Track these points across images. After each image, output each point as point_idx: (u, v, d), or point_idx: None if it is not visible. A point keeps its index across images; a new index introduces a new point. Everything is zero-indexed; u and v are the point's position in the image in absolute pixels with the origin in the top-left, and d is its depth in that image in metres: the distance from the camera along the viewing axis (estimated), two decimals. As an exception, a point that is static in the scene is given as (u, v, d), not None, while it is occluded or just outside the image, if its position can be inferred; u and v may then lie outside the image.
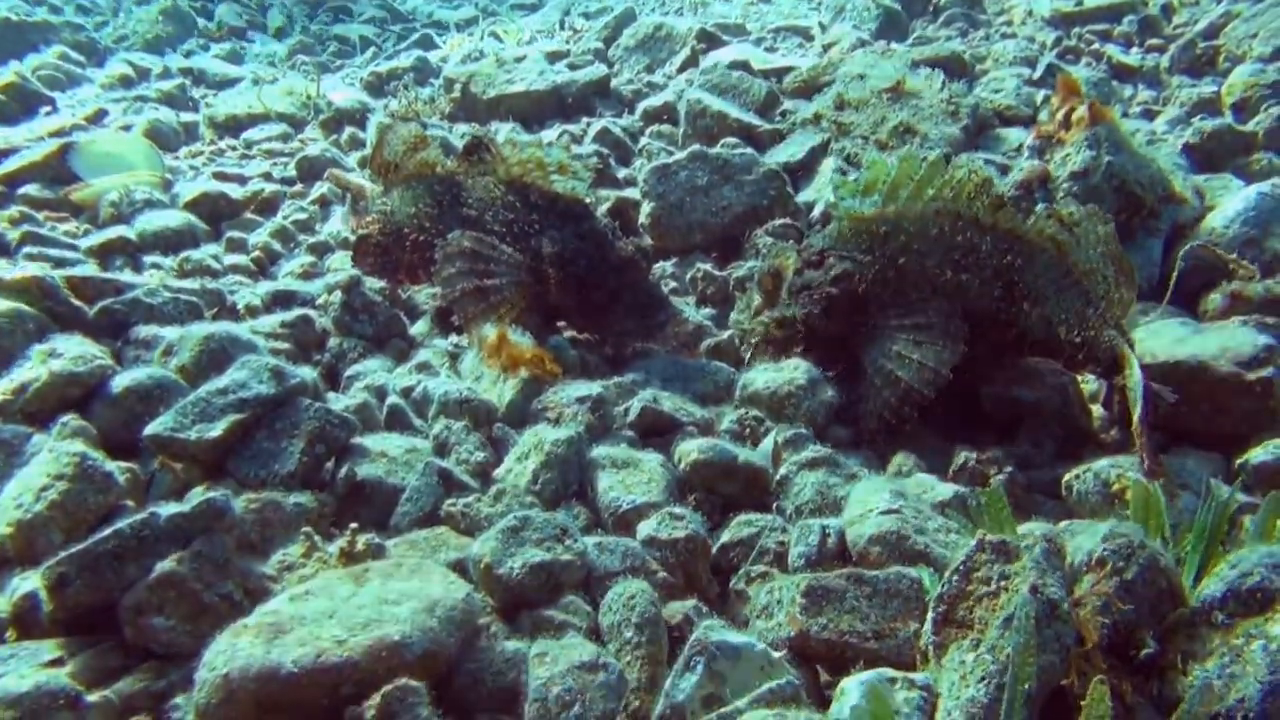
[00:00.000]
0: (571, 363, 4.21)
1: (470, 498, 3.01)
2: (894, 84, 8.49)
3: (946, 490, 3.06)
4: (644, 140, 7.91)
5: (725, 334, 4.68)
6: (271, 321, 4.29)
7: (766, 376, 3.81)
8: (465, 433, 3.39)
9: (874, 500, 2.78)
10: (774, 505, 3.11)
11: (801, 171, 6.80)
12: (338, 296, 4.46)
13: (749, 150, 6.28)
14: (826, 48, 10.41)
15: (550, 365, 3.89)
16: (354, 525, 2.72)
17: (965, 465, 3.40)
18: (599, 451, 3.21)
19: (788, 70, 9.18)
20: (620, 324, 4.37)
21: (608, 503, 3.00)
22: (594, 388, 3.61)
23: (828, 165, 7.25)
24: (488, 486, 3.11)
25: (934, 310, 3.85)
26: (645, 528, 2.82)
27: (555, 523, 2.68)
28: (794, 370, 3.87)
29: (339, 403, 3.49)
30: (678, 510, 2.89)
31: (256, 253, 5.50)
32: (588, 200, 4.50)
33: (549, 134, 6.81)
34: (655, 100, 8.83)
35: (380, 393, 3.74)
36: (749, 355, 4.40)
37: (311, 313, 4.41)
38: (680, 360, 4.40)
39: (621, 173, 7.33)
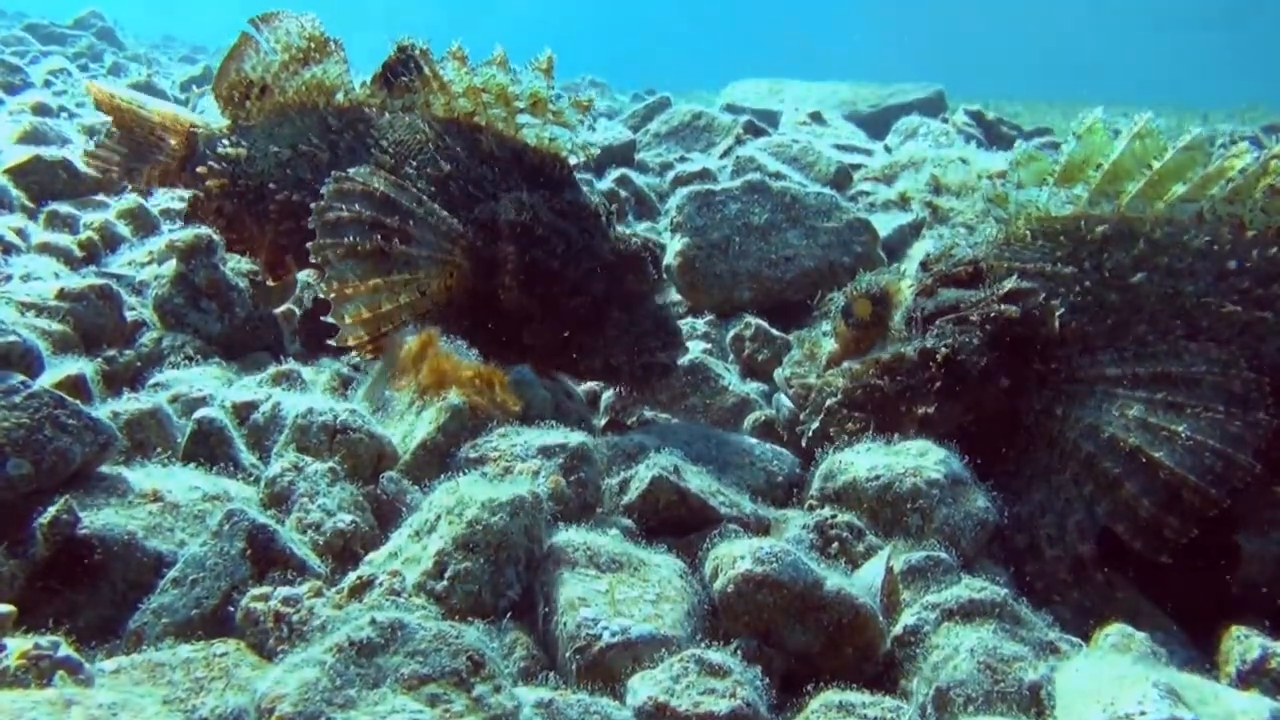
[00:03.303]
0: (541, 406, 3.17)
1: (302, 588, 2.15)
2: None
3: (1245, 705, 2.26)
4: (674, 199, 7.23)
5: (784, 407, 3.67)
6: (42, 290, 3.11)
7: (873, 461, 2.98)
8: (327, 480, 2.56)
9: (1126, 699, 2.05)
10: (891, 677, 2.46)
11: (888, 254, 6.07)
12: (170, 266, 3.27)
13: (828, 190, 5.40)
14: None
15: (502, 394, 2.74)
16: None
17: (1264, 663, 2.57)
18: (569, 538, 2.46)
19: (857, 167, 8.88)
20: (602, 353, 3.34)
21: (574, 628, 2.19)
22: (573, 436, 2.80)
23: (921, 249, 6.64)
24: (345, 574, 2.29)
25: (1199, 356, 2.84)
26: (646, 684, 2.04)
27: (458, 644, 1.79)
28: (920, 455, 2.96)
29: (104, 406, 2.68)
30: (713, 656, 2.08)
31: (89, 234, 4.37)
32: (573, 160, 3.51)
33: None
34: (691, 167, 8.33)
35: (192, 406, 2.90)
36: (812, 428, 3.34)
37: (116, 286, 3.26)
38: (712, 433, 3.38)
39: (641, 226, 6.55)
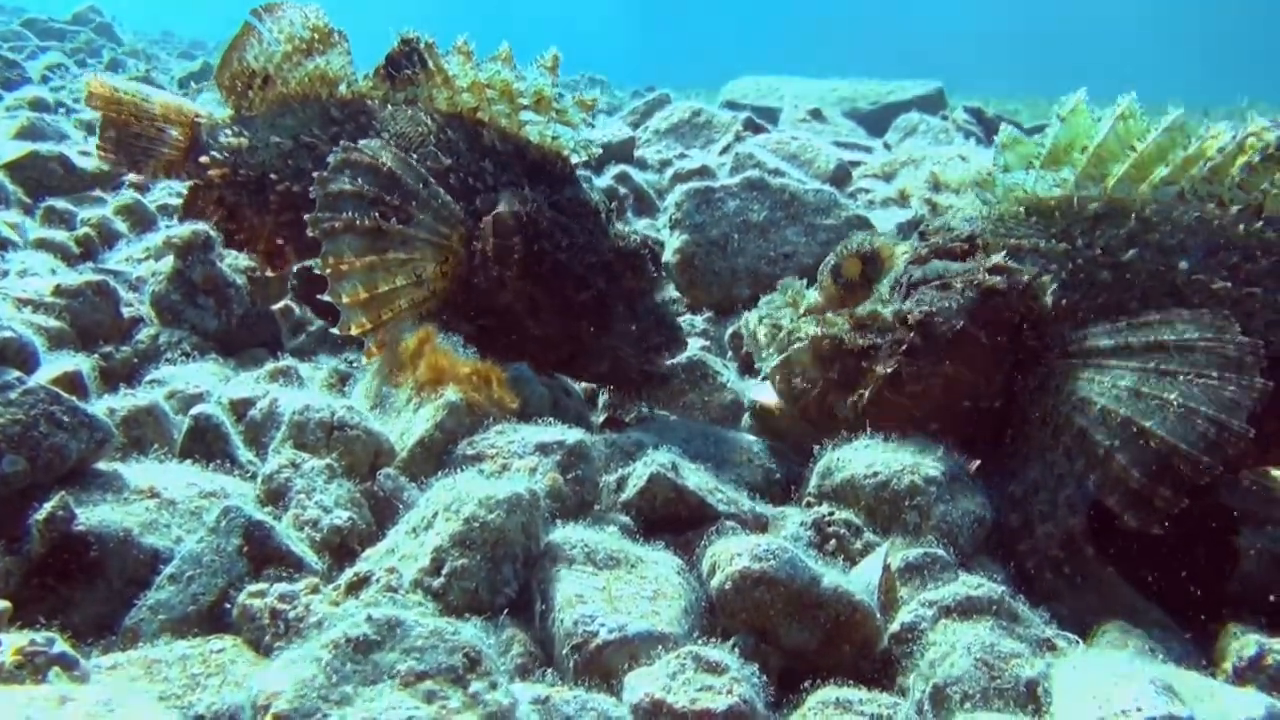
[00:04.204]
0: (539, 404, 3.14)
1: (299, 585, 2.14)
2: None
3: (1241, 701, 2.23)
4: (673, 196, 7.22)
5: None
6: (39, 286, 3.10)
7: (871, 458, 2.96)
8: (324, 477, 2.53)
9: (1123, 696, 2.03)
10: (889, 674, 2.42)
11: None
12: (168, 263, 3.26)
13: (827, 188, 5.39)
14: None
15: (499, 390, 2.72)
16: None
17: (1260, 659, 2.53)
18: (566, 535, 2.45)
19: (856, 164, 8.91)
20: (610, 351, 3.32)
21: (571, 625, 2.16)
22: (571, 433, 2.79)
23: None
24: (341, 571, 2.29)
25: (1191, 322, 2.81)
26: (643, 681, 2.01)
27: (455, 641, 1.75)
28: (918, 452, 2.95)
29: (100, 402, 2.68)
30: (710, 653, 2.06)
31: (86, 230, 4.37)
32: (575, 159, 3.49)
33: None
34: (690, 164, 8.31)
35: (189, 402, 2.89)
36: (770, 365, 3.33)
37: (113, 283, 3.25)
38: (710, 430, 3.37)
39: (640, 223, 6.53)
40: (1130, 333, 2.87)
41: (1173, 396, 2.71)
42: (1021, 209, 3.17)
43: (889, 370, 3.02)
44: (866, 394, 3.06)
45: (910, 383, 3.02)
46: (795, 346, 3.24)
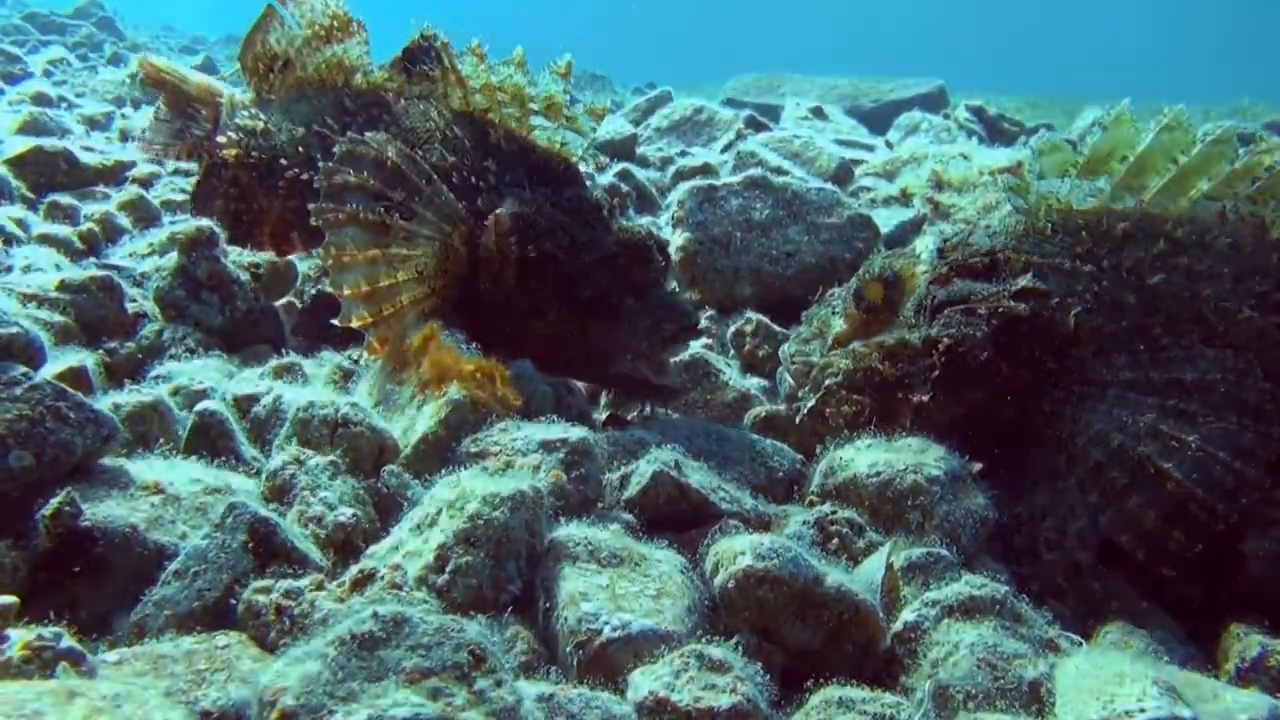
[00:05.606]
0: (542, 401, 3.11)
1: (304, 581, 2.14)
2: (1015, 164, 8.12)
3: (1245, 702, 2.23)
4: (675, 194, 7.24)
5: (786, 382, 3.64)
6: (43, 281, 3.10)
7: (874, 457, 2.93)
8: (329, 474, 2.53)
9: (1126, 696, 2.03)
10: (892, 674, 2.41)
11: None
12: (171, 259, 3.26)
13: (829, 186, 5.37)
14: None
15: (503, 388, 2.72)
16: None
17: (1263, 661, 2.53)
18: (569, 532, 2.43)
19: (858, 162, 8.92)
20: (615, 346, 3.30)
21: (575, 623, 2.16)
22: (574, 431, 2.77)
23: (924, 244, 6.63)
24: (346, 568, 2.28)
25: (1215, 362, 2.77)
26: (647, 679, 2.01)
27: (460, 638, 1.76)
28: (921, 452, 2.93)
29: (105, 398, 2.67)
30: (714, 652, 2.05)
31: (90, 225, 4.37)
32: (583, 167, 3.52)
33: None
34: (693, 161, 8.33)
35: (193, 398, 2.88)
36: (808, 406, 3.28)
37: (117, 278, 3.25)
38: (713, 428, 3.35)
39: (642, 220, 6.53)
40: (1152, 367, 2.84)
41: (1191, 439, 2.68)
42: (1047, 225, 3.12)
43: (926, 399, 3.01)
44: (908, 424, 3.05)
45: (939, 411, 3.01)
46: (828, 382, 3.22)
